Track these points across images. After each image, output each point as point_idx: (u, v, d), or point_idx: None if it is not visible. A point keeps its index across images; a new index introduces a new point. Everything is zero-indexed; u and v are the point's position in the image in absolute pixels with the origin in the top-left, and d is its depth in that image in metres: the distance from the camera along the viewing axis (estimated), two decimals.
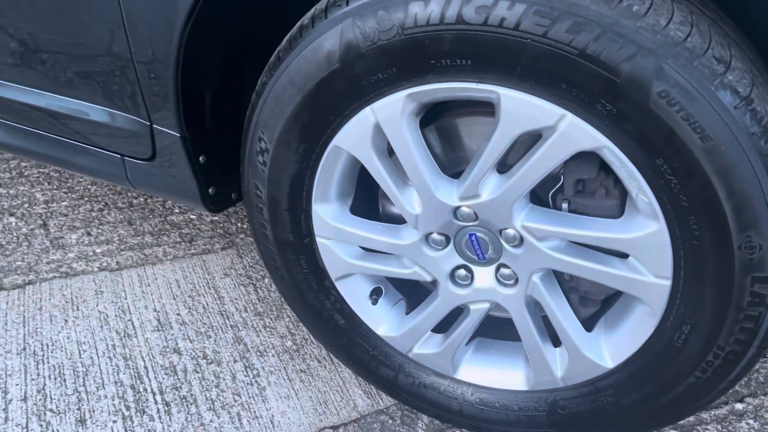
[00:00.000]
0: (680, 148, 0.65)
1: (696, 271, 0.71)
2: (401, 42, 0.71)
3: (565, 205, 0.79)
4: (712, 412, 1.06)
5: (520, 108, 0.70)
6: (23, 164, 1.65)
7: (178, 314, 1.22)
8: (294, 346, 1.17)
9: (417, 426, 1.04)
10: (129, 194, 1.56)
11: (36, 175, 1.61)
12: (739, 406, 1.07)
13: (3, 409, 1.02)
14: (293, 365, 1.13)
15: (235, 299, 1.26)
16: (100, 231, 1.43)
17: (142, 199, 1.54)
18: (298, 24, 0.80)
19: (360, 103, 0.78)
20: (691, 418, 1.05)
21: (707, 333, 0.75)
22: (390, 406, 1.07)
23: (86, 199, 1.54)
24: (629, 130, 0.66)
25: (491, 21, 0.66)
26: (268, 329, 1.20)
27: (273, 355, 1.14)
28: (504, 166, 0.77)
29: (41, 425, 1.00)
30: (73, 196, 1.55)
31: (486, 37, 0.67)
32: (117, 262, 1.34)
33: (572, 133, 0.69)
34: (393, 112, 0.77)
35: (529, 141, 0.75)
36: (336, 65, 0.76)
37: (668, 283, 0.74)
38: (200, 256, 1.37)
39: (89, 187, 1.58)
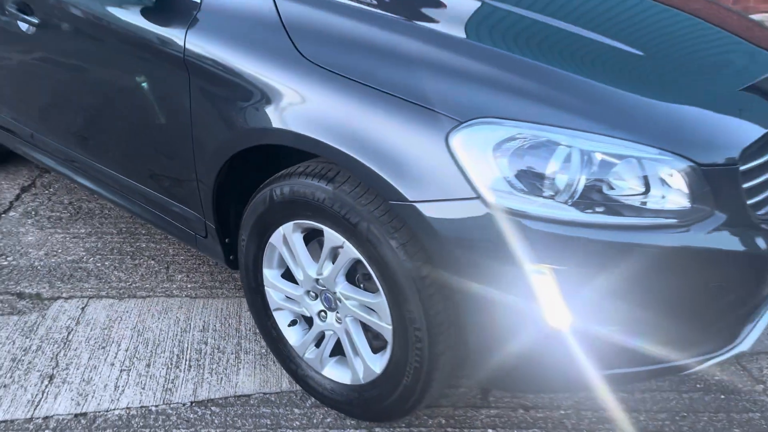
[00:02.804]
0: (381, 263, 1.48)
1: (400, 322, 1.52)
2: (290, 200, 1.63)
3: (360, 285, 1.64)
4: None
5: (330, 235, 1.58)
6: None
7: (220, 323, 2.17)
8: (264, 349, 2.06)
9: (309, 401, 1.86)
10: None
11: (172, 239, 2.71)
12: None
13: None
14: (261, 358, 2.02)
15: (249, 322, 2.19)
16: (194, 275, 2.46)
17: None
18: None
19: (278, 225, 1.70)
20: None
21: (405, 354, 1.53)
22: (298, 390, 1.91)
23: (194, 257, 2.59)
24: (369, 250, 1.51)
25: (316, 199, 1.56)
26: (257, 337, 2.11)
27: (256, 352, 2.04)
28: (332, 258, 1.64)
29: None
30: (188, 254, 2.61)
31: (327, 213, 1.57)
32: (195, 294, 2.35)
33: (348, 249, 1.55)
34: (289, 230, 1.68)
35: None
36: (267, 206, 1.69)
37: (389, 326, 1.55)
38: (240, 298, 2.34)
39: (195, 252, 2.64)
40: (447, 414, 1.82)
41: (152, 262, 2.53)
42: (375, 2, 1.69)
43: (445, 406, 1.85)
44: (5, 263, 2.52)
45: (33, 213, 2.89)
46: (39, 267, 2.50)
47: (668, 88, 1.51)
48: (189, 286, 2.39)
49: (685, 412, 1.84)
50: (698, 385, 1.94)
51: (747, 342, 1.60)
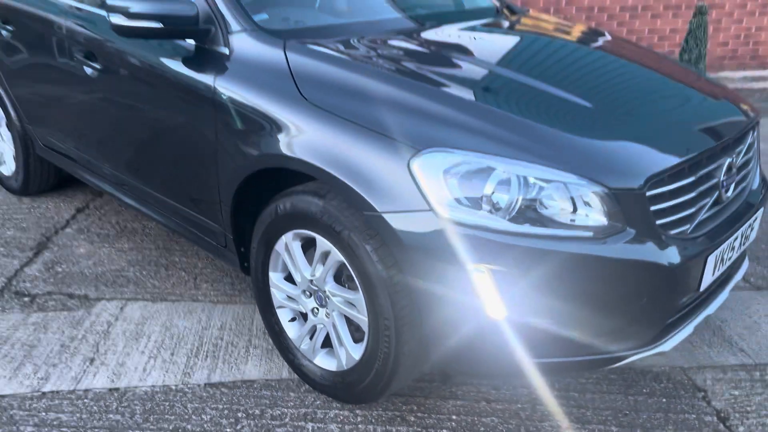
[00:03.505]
0: (359, 264, 1.83)
1: (373, 315, 1.86)
2: (291, 213, 2.00)
3: (345, 285, 1.98)
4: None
5: (321, 242, 1.94)
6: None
7: (236, 324, 2.53)
8: (270, 346, 2.40)
9: (303, 387, 2.19)
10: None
11: (201, 255, 3.11)
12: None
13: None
14: (267, 353, 2.37)
15: (259, 324, 2.54)
16: (217, 285, 2.84)
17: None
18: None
19: (281, 234, 2.07)
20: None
21: (377, 342, 1.86)
22: (295, 379, 2.24)
23: (218, 271, 2.98)
24: (350, 254, 1.86)
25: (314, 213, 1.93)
26: (265, 336, 2.45)
27: (263, 348, 2.39)
28: (323, 261, 2.00)
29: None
30: (213, 267, 3.00)
31: (319, 223, 1.93)
32: (217, 300, 2.72)
33: (334, 254, 1.91)
34: (290, 239, 2.05)
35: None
36: (273, 218, 2.06)
37: (366, 318, 1.88)
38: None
39: (222, 265, 3.03)
40: (419, 402, 2.13)
41: (183, 273, 2.93)
42: (362, 57, 2.08)
43: (417, 396, 2.15)
44: (60, 269, 2.95)
45: (85, 230, 3.34)
46: (87, 274, 2.92)
47: (597, 127, 1.84)
48: (212, 293, 2.77)
49: (628, 410, 2.10)
50: (644, 390, 2.20)
51: (668, 344, 1.88)
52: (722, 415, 2.09)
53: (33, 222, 3.43)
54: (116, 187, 2.93)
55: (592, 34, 2.77)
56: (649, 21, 6.68)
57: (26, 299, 2.72)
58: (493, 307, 1.69)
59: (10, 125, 3.53)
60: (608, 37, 2.74)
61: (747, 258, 2.38)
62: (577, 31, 2.79)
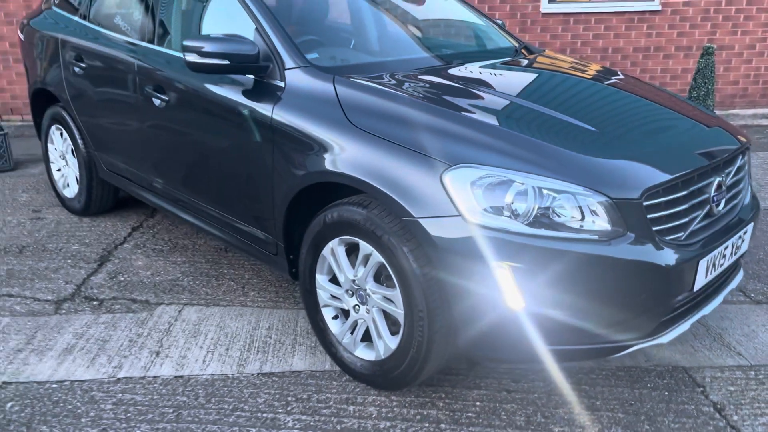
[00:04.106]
0: (397, 264, 2.14)
1: (409, 308, 2.16)
2: (338, 222, 2.32)
3: (383, 283, 2.29)
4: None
5: (364, 246, 2.26)
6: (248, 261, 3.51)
7: (282, 325, 2.84)
8: (313, 343, 2.70)
9: (344, 378, 2.48)
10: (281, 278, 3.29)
11: (248, 267, 3.43)
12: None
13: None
14: (311, 349, 2.67)
15: (302, 326, 2.85)
16: (263, 293, 3.16)
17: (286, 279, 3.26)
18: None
19: (328, 241, 2.39)
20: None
21: (412, 331, 2.16)
22: (337, 370, 2.53)
23: (263, 281, 3.30)
24: (389, 255, 2.17)
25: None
26: (309, 335, 2.75)
27: (307, 345, 2.69)
28: (365, 263, 2.31)
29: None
30: (259, 278, 3.32)
31: (362, 230, 2.26)
32: (264, 305, 3.04)
33: (375, 256, 2.22)
34: (335, 245, 2.37)
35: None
36: (321, 227, 2.39)
37: (402, 311, 2.18)
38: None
39: (271, 274, 3.35)
40: (446, 391, 2.41)
41: (232, 282, 3.26)
42: (399, 88, 2.43)
43: (445, 386, 2.43)
44: (122, 278, 3.30)
45: (141, 245, 3.70)
46: (147, 282, 3.26)
47: (601, 148, 2.15)
48: (259, 300, 3.09)
49: (633, 401, 2.36)
50: (649, 385, 2.45)
51: (667, 337, 2.16)
52: (718, 406, 2.34)
53: (94, 238, 3.80)
54: (173, 204, 3.28)
55: (598, 70, 3.10)
56: (661, 61, 7.03)
57: (95, 303, 3.06)
58: (512, 298, 1.98)
59: (75, 152, 3.93)
60: (613, 73, 3.07)
61: (742, 269, 2.64)
62: (585, 67, 3.12)
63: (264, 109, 2.54)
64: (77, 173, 4.00)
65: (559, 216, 1.99)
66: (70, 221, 4.07)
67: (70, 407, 2.32)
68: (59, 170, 4.22)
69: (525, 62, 3.10)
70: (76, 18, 3.81)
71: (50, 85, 3.95)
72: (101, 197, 4.01)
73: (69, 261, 3.50)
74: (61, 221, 4.07)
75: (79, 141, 3.85)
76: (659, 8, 6.82)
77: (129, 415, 2.28)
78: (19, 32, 4.41)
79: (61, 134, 4.06)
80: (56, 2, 4.12)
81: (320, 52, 2.74)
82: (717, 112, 7.20)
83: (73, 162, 4.02)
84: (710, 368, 2.56)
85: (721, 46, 7.00)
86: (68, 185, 4.15)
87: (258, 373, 2.52)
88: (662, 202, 2.07)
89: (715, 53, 6.92)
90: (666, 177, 2.09)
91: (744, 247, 2.45)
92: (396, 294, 2.19)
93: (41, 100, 4.22)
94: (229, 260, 3.50)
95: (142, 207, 4.29)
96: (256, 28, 2.66)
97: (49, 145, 4.24)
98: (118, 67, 3.33)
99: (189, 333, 2.80)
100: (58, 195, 4.27)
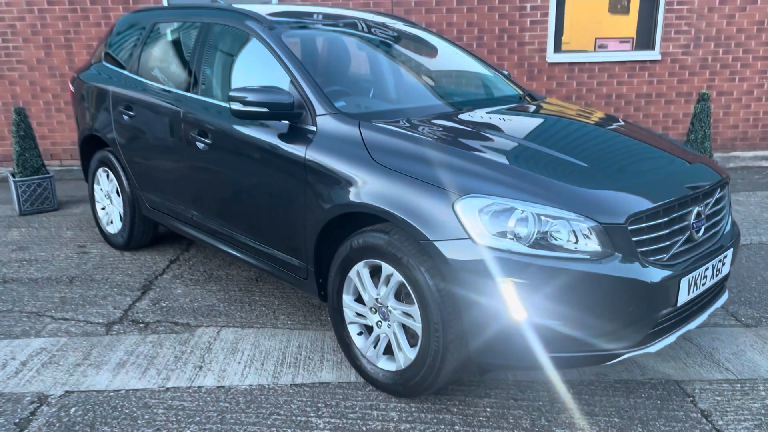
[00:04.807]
0: (416, 283, 2.46)
1: (426, 321, 2.47)
2: (363, 247, 2.65)
3: (403, 301, 2.60)
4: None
5: (386, 268, 2.58)
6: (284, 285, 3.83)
7: (311, 344, 3.15)
8: (339, 359, 3.00)
9: (368, 388, 2.77)
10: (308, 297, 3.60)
11: (278, 294, 3.76)
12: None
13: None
14: (337, 364, 2.96)
15: (329, 344, 3.15)
16: (293, 316, 3.47)
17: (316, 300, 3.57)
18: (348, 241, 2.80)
19: (354, 263, 2.72)
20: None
21: (428, 342, 2.46)
22: (362, 382, 2.82)
23: (292, 306, 3.61)
24: (408, 275, 2.49)
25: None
26: (335, 352, 3.05)
27: (334, 361, 2.99)
28: (386, 283, 2.63)
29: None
30: (288, 303, 3.63)
31: (384, 253, 2.59)
32: (293, 327, 3.35)
33: (396, 276, 2.54)
34: (360, 268, 2.69)
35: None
36: (348, 251, 2.72)
37: (420, 324, 2.49)
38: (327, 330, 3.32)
39: (302, 296, 3.67)
40: (460, 399, 2.69)
41: (263, 308, 3.58)
42: (416, 131, 2.79)
43: (458, 395, 2.71)
44: (164, 305, 3.63)
45: (179, 276, 4.04)
46: (186, 308, 3.59)
47: (591, 180, 2.48)
48: (289, 322, 3.40)
49: (628, 408, 2.63)
50: (643, 395, 2.72)
51: (655, 347, 2.44)
52: (706, 413, 2.59)
53: (136, 270, 4.15)
54: (211, 236, 3.64)
55: (593, 114, 3.46)
56: (663, 106, 7.41)
57: (141, 325, 3.39)
58: (516, 310, 2.28)
59: (120, 192, 4.33)
60: (607, 117, 3.42)
61: (727, 291, 2.93)
62: (581, 112, 3.48)
63: (298, 150, 2.90)
64: (121, 211, 4.38)
65: (555, 239, 2.31)
66: (113, 255, 4.44)
67: (127, 411, 2.62)
68: (103, 208, 4.61)
69: (527, 108, 3.46)
70: (125, 72, 4.26)
71: (100, 131, 4.37)
72: (142, 232, 4.38)
73: (115, 289, 3.85)
74: (104, 255, 4.44)
75: (125, 181, 4.25)
76: (659, 57, 7.23)
77: (179, 418, 2.58)
78: (70, 84, 4.87)
79: (108, 176, 4.47)
80: (105, 57, 4.58)
81: (346, 100, 3.12)
82: (718, 154, 7.53)
83: (117, 201, 4.41)
84: (700, 381, 2.82)
85: (720, 92, 7.37)
86: (111, 222, 4.54)
87: (291, 384, 2.82)
88: (646, 227, 2.39)
89: (715, 99, 7.30)
90: (649, 205, 2.40)
91: (725, 270, 2.74)
92: (414, 309, 2.50)
93: (89, 146, 4.65)
94: (260, 288, 3.83)
95: (178, 242, 4.65)
96: (291, 81, 3.05)
97: (95, 185, 4.65)
98: (164, 114, 3.74)
99: (227, 350, 3.11)
100: (102, 231, 4.65)
